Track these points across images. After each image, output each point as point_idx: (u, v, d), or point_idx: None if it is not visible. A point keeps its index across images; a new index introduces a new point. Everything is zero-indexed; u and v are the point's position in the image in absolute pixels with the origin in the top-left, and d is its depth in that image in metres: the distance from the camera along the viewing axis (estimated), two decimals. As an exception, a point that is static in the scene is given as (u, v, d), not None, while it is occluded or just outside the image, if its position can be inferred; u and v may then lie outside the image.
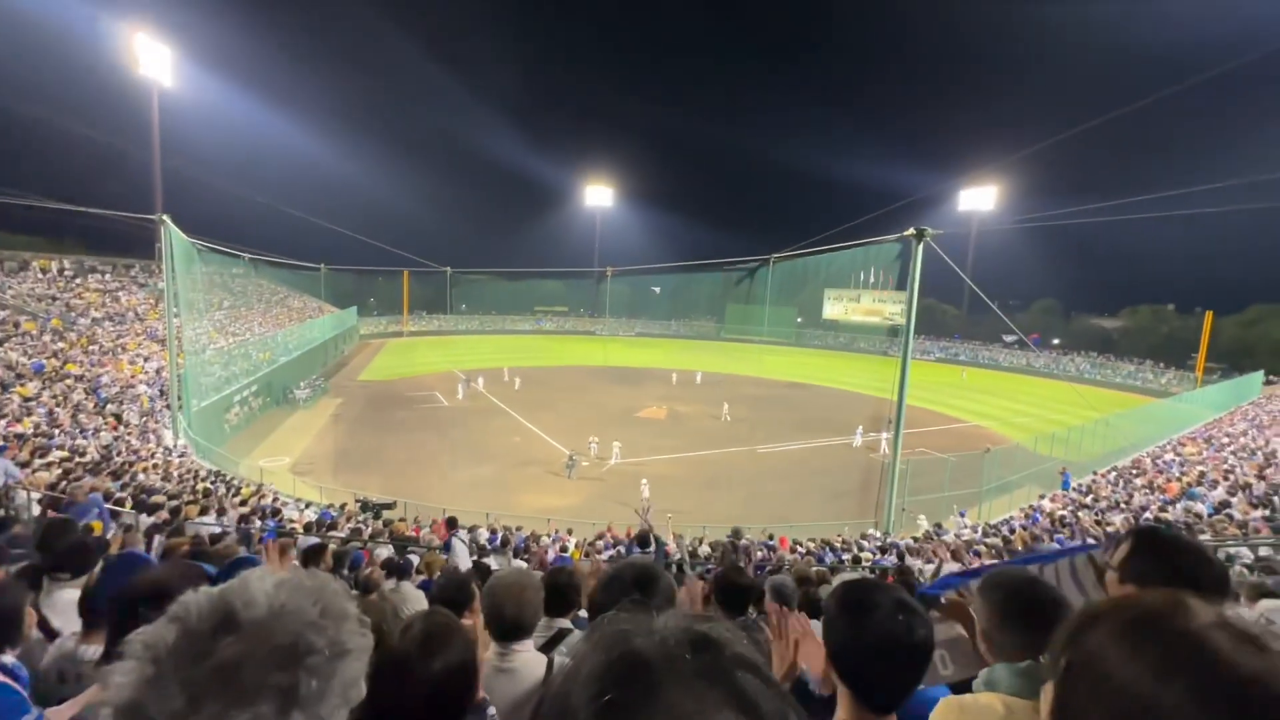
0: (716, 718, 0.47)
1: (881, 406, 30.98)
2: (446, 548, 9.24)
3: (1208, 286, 68.57)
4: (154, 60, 42.88)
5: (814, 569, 8.86)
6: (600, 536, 14.58)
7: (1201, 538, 10.85)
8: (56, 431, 16.19)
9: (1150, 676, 0.60)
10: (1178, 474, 18.00)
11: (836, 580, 6.88)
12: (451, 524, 10.85)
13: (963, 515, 17.41)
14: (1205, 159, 74.62)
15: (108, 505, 9.91)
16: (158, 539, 7.24)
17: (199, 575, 2.05)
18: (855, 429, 30.14)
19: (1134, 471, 19.73)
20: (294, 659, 0.72)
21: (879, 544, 14.74)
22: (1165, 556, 1.64)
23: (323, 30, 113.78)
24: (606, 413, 33.97)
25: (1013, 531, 14.40)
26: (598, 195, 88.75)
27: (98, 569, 3.18)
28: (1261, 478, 15.55)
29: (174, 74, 45.00)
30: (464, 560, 8.32)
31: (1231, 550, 9.49)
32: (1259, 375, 43.11)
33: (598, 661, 0.53)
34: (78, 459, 14.03)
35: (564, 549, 13.27)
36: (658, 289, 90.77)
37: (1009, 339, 66.71)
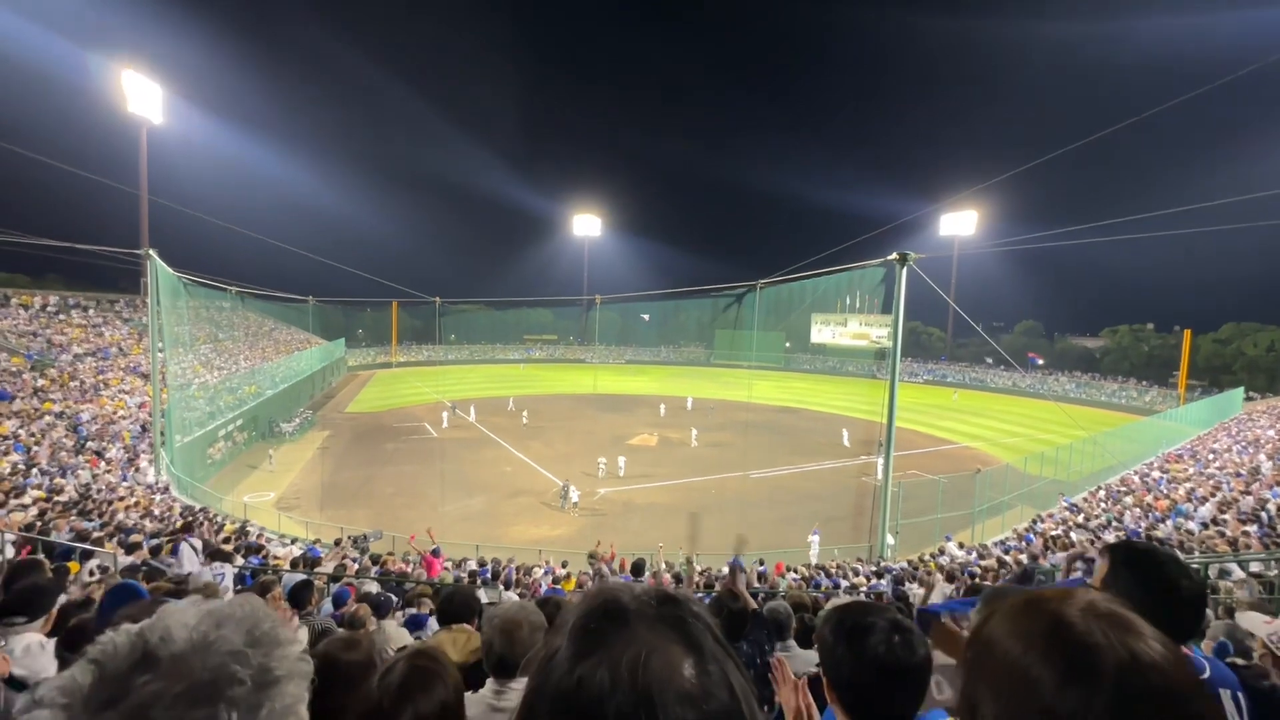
0: (667, 648, 0.63)
1: (871, 429, 31.04)
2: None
3: (1183, 305, 70.34)
4: (143, 97, 43.19)
5: (808, 594, 8.76)
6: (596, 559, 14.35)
7: (1193, 554, 10.87)
8: (34, 470, 15.82)
9: (1020, 645, 0.72)
10: (1166, 491, 18.11)
11: (829, 605, 6.80)
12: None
13: (949, 540, 17.31)
14: (1180, 181, 77.20)
15: (84, 545, 9.66)
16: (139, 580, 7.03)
17: None
18: (852, 450, 30.98)
19: (1123, 489, 19.83)
20: (214, 693, 0.70)
21: (873, 569, 14.62)
22: (1143, 569, 1.66)
23: (311, 66, 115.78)
24: (597, 441, 33.74)
25: (1007, 553, 14.36)
26: (586, 224, 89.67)
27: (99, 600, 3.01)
28: (1248, 493, 15.68)
29: (163, 110, 45.31)
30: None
31: (1223, 566, 9.53)
32: (1239, 392, 43.77)
33: (586, 606, 0.69)
34: (55, 498, 13.69)
35: (556, 580, 13.04)
36: (646, 316, 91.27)
37: (991, 358, 67.46)
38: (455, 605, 3.50)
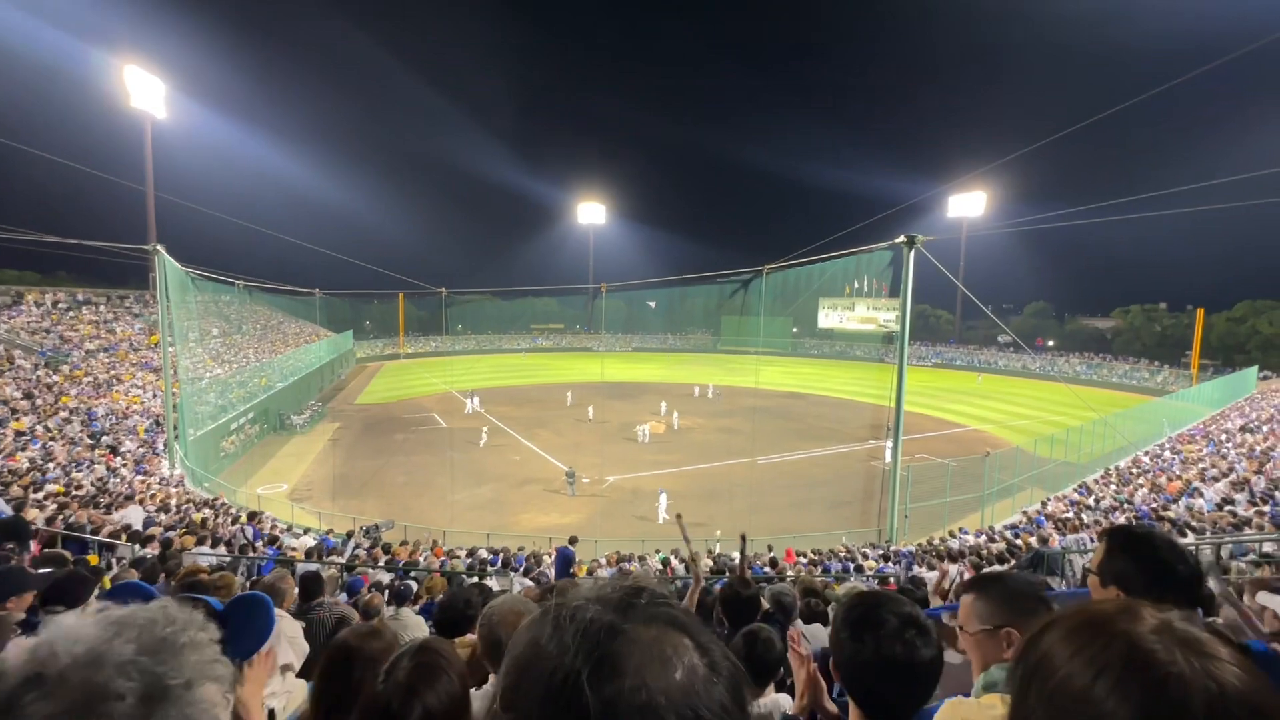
0: (666, 638, 0.63)
1: (880, 414, 31.01)
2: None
3: (1196, 284, 69.38)
4: (146, 92, 43.20)
5: (817, 578, 8.80)
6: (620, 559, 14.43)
7: (1204, 535, 10.82)
8: (51, 465, 16.05)
9: (1086, 671, 0.64)
10: (1178, 472, 17.99)
11: (841, 590, 6.83)
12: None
13: (964, 532, 17.19)
14: (1191, 158, 75.83)
15: (101, 538, 9.81)
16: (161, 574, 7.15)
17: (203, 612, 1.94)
18: (860, 435, 30.48)
19: (1134, 470, 19.71)
20: (88, 711, 0.69)
21: (882, 552, 14.65)
22: (1139, 554, 1.68)
23: (314, 57, 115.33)
24: (605, 429, 33.85)
25: (1016, 536, 14.34)
26: (590, 212, 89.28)
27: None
28: (1261, 473, 15.55)
29: (166, 105, 45.32)
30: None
31: (1234, 546, 9.47)
32: (1253, 371, 43.29)
33: (575, 629, 0.63)
34: (74, 492, 13.90)
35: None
36: (653, 303, 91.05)
37: (1003, 340, 66.99)
38: (454, 614, 3.14)
